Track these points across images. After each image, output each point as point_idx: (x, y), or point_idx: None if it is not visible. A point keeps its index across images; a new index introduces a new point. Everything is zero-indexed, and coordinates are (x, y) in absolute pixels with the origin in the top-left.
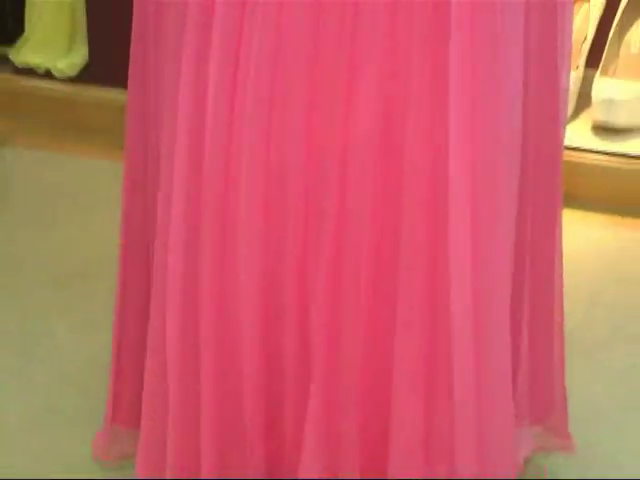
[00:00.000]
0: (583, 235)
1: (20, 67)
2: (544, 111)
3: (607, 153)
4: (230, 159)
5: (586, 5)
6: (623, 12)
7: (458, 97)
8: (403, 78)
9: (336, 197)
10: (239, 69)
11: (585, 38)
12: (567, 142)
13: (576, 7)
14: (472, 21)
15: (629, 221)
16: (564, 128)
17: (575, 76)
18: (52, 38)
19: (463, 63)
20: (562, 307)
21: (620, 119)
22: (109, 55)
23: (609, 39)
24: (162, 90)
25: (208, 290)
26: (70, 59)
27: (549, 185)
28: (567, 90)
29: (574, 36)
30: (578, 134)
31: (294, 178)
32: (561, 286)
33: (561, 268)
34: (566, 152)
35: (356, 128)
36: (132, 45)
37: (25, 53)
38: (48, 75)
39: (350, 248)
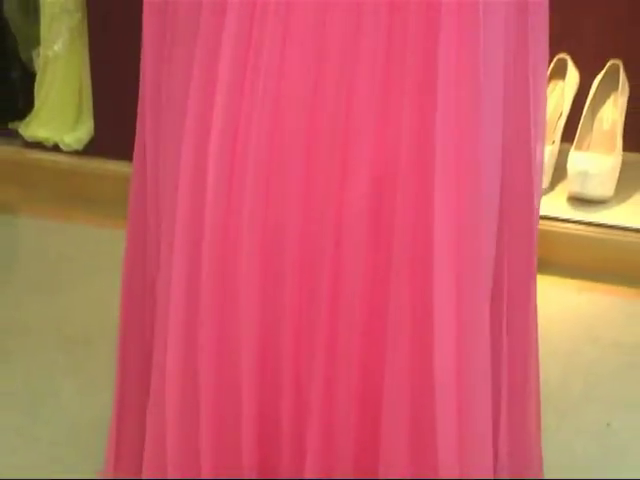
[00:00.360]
0: (559, 300)
1: (29, 141)
2: (518, 182)
3: (582, 222)
4: (229, 227)
5: (561, 84)
6: (595, 91)
7: (444, 171)
8: (394, 145)
9: (331, 261)
10: (238, 137)
11: (561, 115)
12: (545, 212)
13: (552, 86)
14: (457, 101)
15: (603, 286)
16: (539, 200)
17: (552, 150)
18: (60, 114)
19: (447, 141)
20: (538, 371)
21: (594, 191)
22: (113, 130)
23: (583, 116)
24: (164, 160)
25: (207, 359)
26: (76, 133)
27: (524, 255)
28: (541, 163)
29: (551, 113)
30: (555, 205)
31: (291, 244)
32: (537, 351)
33: (536, 334)
34: (544, 221)
35: (351, 193)
36: (137, 120)
37: (34, 128)
38: (56, 148)
39: (344, 312)
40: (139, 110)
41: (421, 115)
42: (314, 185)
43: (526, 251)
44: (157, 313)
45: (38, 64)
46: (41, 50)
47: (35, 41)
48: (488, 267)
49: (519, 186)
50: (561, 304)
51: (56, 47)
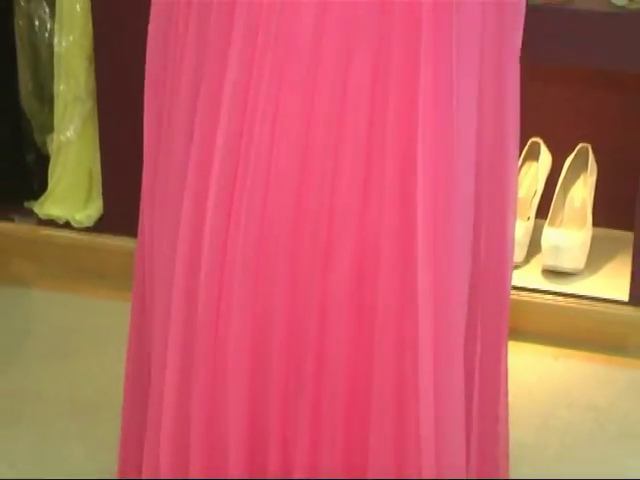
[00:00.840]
0: (536, 366)
1: (43, 219)
2: (493, 255)
3: (556, 293)
4: (220, 310)
5: (535, 165)
6: (566, 172)
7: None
8: (377, 226)
9: (315, 342)
10: (231, 221)
11: (535, 193)
12: (521, 283)
13: (526, 167)
14: (435, 159)
15: (577, 353)
16: (511, 271)
17: (527, 226)
18: (71, 194)
19: (428, 228)
20: (507, 437)
21: (566, 264)
22: (120, 209)
23: (555, 195)
24: (160, 240)
25: (198, 434)
26: (87, 212)
27: (495, 325)
28: (513, 238)
29: (526, 192)
30: (530, 277)
31: (278, 326)
32: (506, 416)
33: (506, 400)
34: (519, 292)
35: (334, 274)
36: (141, 200)
37: (47, 207)
38: (67, 225)
39: (328, 389)
40: (142, 193)
41: (402, 197)
42: (299, 268)
43: (498, 321)
44: (151, 390)
45: (52, 148)
46: (55, 135)
47: (49, 127)
48: (459, 339)
49: (492, 258)
50: (538, 370)
51: (68, 133)
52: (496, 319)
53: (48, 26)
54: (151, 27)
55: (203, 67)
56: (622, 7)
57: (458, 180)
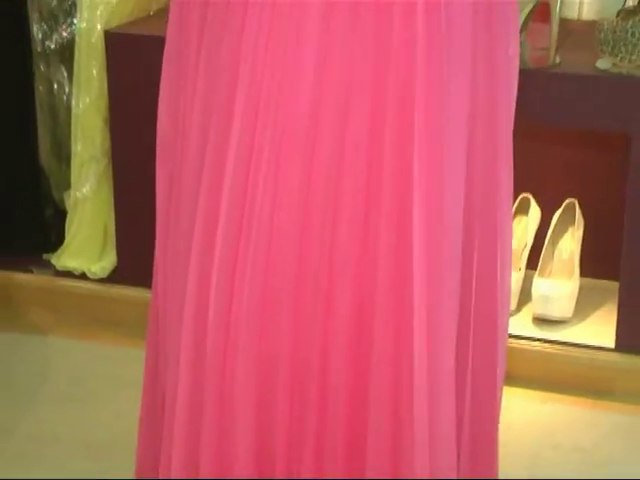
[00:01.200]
0: (524, 409)
1: (60, 270)
2: (485, 308)
3: (545, 340)
4: (227, 355)
5: (525, 219)
6: (555, 225)
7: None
8: (372, 273)
9: (317, 379)
10: (235, 281)
11: (525, 246)
12: (512, 331)
13: (517, 221)
14: (428, 205)
15: (564, 397)
16: (507, 320)
17: (518, 276)
18: (87, 247)
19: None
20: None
21: (555, 312)
22: (133, 261)
23: (545, 247)
24: (172, 296)
25: (207, 463)
26: (101, 263)
27: (489, 371)
28: (509, 290)
29: (517, 244)
30: (521, 325)
31: (283, 368)
32: (497, 455)
33: (497, 445)
34: (511, 339)
35: (334, 321)
36: (155, 255)
37: (64, 259)
38: (83, 276)
39: (329, 433)
40: (156, 249)
41: (397, 250)
42: (302, 315)
43: (491, 367)
44: (164, 426)
45: (69, 204)
46: (72, 192)
47: (67, 184)
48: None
49: (484, 306)
50: (526, 413)
51: (84, 190)
52: (488, 367)
53: (66, 89)
54: (162, 91)
55: (209, 131)
56: (606, 71)
57: (451, 234)
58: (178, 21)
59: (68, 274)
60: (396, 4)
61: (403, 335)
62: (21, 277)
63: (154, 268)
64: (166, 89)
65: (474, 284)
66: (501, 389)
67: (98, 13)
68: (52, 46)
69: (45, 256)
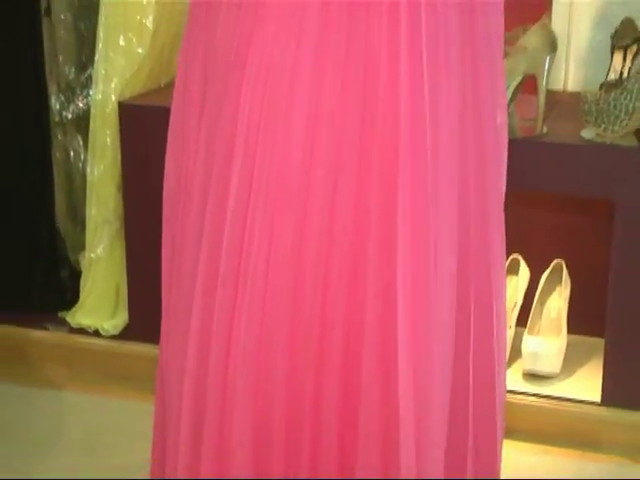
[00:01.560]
0: (515, 460)
1: (75, 327)
2: (484, 368)
3: (535, 395)
4: (226, 391)
5: (515, 279)
6: (543, 285)
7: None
8: (361, 328)
9: (310, 423)
10: (234, 328)
11: (515, 304)
12: None
13: (507, 280)
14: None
15: (553, 449)
16: (504, 375)
17: (508, 334)
18: (100, 305)
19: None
20: None
21: (544, 368)
22: (144, 319)
23: (533, 306)
24: (174, 352)
25: None
26: (114, 321)
27: (490, 429)
28: (505, 347)
29: (507, 303)
30: (512, 380)
31: (278, 415)
32: None
33: None
34: None
35: (326, 367)
36: (162, 314)
37: (79, 317)
38: (96, 333)
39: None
40: (163, 309)
41: (383, 306)
42: (296, 362)
43: (491, 424)
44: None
45: (83, 264)
46: (86, 253)
47: (81, 246)
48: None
49: (482, 366)
50: (517, 464)
51: (98, 251)
52: (488, 425)
53: (82, 157)
54: (168, 157)
55: (208, 193)
56: (590, 140)
57: (441, 300)
58: (182, 95)
59: (82, 331)
60: (381, 70)
61: (390, 405)
62: (37, 334)
63: (161, 326)
64: (171, 157)
65: (472, 346)
66: (501, 444)
67: (112, 86)
68: (69, 116)
69: (60, 314)
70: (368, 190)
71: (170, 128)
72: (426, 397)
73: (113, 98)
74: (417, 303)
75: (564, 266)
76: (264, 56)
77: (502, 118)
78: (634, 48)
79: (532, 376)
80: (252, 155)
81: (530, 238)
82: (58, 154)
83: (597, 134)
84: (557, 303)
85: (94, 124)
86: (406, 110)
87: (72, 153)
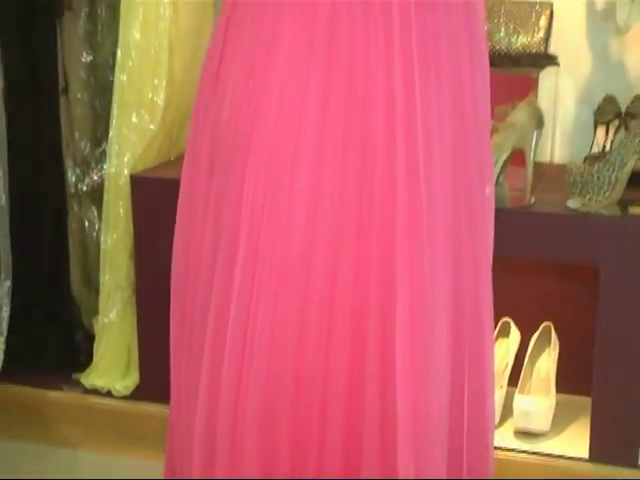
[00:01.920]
0: None
1: (88, 388)
2: (477, 428)
3: (525, 452)
4: (237, 417)
5: (506, 341)
6: (533, 347)
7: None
8: (362, 378)
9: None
10: (240, 401)
11: (506, 365)
12: (495, 443)
13: (498, 343)
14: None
15: None
16: (492, 434)
17: (500, 394)
18: (113, 367)
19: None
20: None
21: (535, 426)
22: (154, 380)
23: (524, 366)
24: (187, 401)
25: None
26: (125, 382)
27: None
28: (494, 408)
29: (498, 364)
30: (504, 437)
31: (284, 430)
32: None
33: None
34: (495, 451)
35: (330, 412)
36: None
37: (92, 378)
38: (109, 394)
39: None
40: (172, 372)
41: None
42: (300, 410)
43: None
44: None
45: (97, 328)
46: (99, 318)
47: (95, 310)
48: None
49: (475, 426)
50: None
51: (111, 315)
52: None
53: (96, 227)
54: (176, 235)
55: (215, 266)
56: (576, 210)
57: (437, 365)
58: (190, 168)
59: (95, 392)
60: (380, 107)
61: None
62: (53, 394)
63: (171, 388)
64: (180, 228)
65: (465, 409)
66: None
67: (125, 160)
68: (84, 188)
69: (74, 375)
70: (367, 261)
71: (180, 200)
72: (426, 413)
73: (126, 172)
74: (415, 361)
75: (552, 329)
76: (268, 130)
77: (490, 189)
78: (616, 123)
79: (523, 434)
80: (257, 231)
81: (520, 302)
82: (74, 224)
83: (582, 204)
84: (546, 364)
85: (108, 196)
86: (403, 192)
87: (87, 223)
